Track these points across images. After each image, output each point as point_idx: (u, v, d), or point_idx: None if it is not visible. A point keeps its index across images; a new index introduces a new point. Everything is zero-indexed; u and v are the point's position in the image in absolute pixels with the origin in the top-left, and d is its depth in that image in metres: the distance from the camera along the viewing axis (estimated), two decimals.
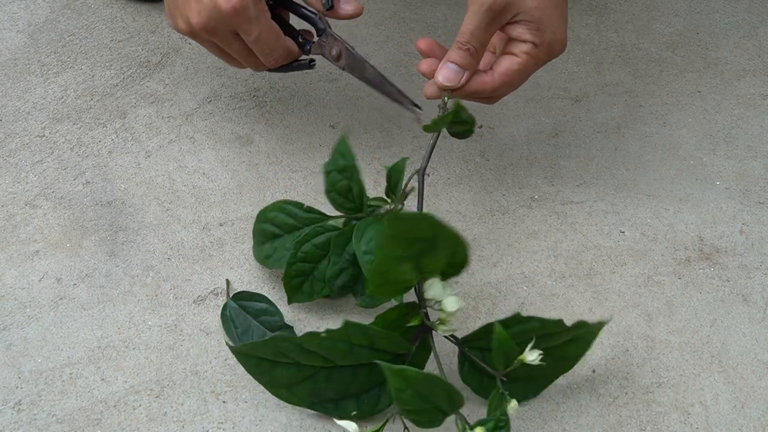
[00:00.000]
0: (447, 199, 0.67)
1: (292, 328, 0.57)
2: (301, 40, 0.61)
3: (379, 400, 0.52)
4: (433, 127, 0.54)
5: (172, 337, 0.58)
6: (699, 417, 0.55)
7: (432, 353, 0.52)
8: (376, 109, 0.74)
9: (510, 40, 0.55)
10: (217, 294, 0.61)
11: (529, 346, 0.49)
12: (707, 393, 0.56)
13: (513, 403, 0.49)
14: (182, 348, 0.58)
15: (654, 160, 0.71)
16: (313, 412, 0.54)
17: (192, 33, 0.58)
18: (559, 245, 0.64)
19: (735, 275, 0.63)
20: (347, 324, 0.47)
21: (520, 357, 0.49)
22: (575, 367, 0.57)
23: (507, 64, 0.55)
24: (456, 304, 0.49)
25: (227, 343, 0.49)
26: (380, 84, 0.57)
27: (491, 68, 0.56)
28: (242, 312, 0.58)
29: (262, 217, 0.59)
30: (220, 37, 0.57)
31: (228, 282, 0.61)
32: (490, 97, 0.58)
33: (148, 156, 0.69)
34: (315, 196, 0.67)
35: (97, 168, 0.68)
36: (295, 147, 0.71)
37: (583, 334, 0.53)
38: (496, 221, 0.66)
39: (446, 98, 0.55)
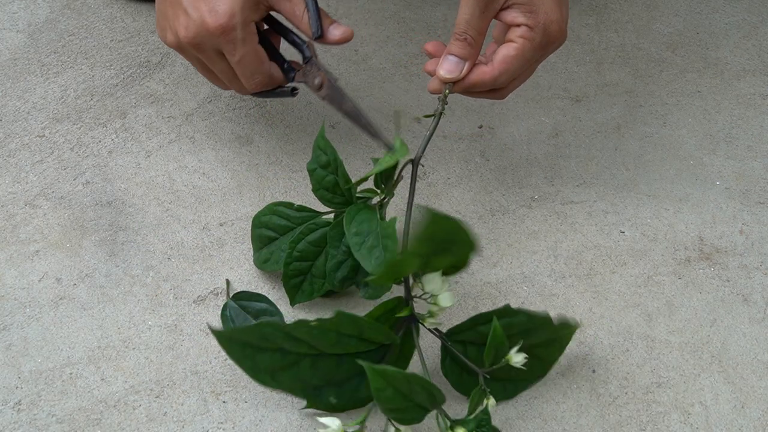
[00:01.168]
0: (447, 199, 0.67)
1: None
2: (286, 67, 0.60)
3: (359, 389, 0.51)
4: (430, 116, 0.56)
5: (172, 337, 0.58)
6: (699, 417, 0.55)
7: (415, 346, 0.52)
8: (375, 109, 0.74)
9: (507, 28, 0.56)
10: (217, 294, 0.61)
11: (515, 348, 0.49)
12: (707, 393, 0.56)
13: (492, 401, 0.49)
14: (182, 348, 0.58)
15: (654, 160, 0.71)
16: (312, 411, 0.54)
17: (179, 47, 0.58)
18: (559, 245, 0.64)
19: (735, 275, 0.63)
20: (339, 314, 0.46)
21: (506, 357, 0.49)
22: (575, 367, 0.57)
23: (504, 51, 0.55)
24: (451, 300, 0.49)
25: (208, 325, 0.48)
26: (357, 117, 0.56)
27: (491, 59, 0.56)
28: (242, 312, 0.58)
29: (257, 222, 0.59)
30: (206, 55, 0.57)
31: (228, 282, 0.61)
32: (494, 89, 0.58)
33: (148, 156, 0.69)
34: (314, 196, 0.67)
35: (97, 168, 0.68)
36: (295, 147, 0.71)
37: (560, 335, 0.53)
38: (496, 221, 0.66)
39: (447, 91, 0.56)
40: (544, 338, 0.52)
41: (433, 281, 0.49)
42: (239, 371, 0.56)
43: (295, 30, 0.60)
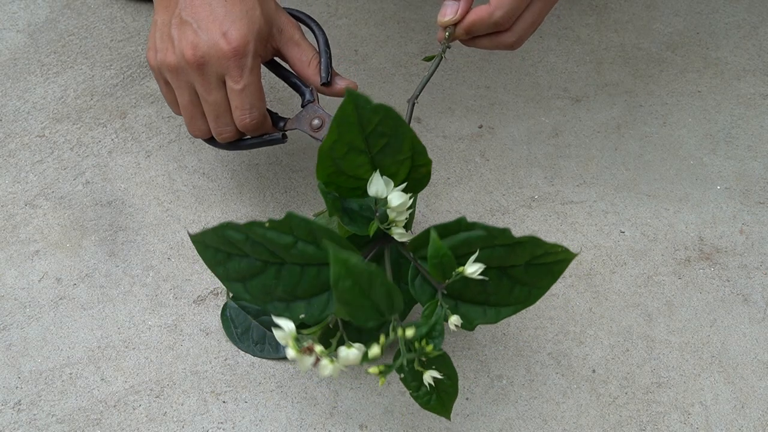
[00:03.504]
0: (447, 199, 0.67)
1: None
2: (275, 117, 0.60)
3: (327, 305, 0.50)
4: (431, 58, 0.56)
5: (172, 337, 0.58)
6: (699, 417, 0.55)
7: (386, 265, 0.51)
8: None
9: None
10: (217, 294, 0.61)
11: (472, 258, 0.46)
12: (707, 393, 0.56)
13: (453, 318, 0.47)
14: (182, 348, 0.58)
15: (654, 160, 0.71)
16: (312, 411, 0.54)
17: (177, 68, 0.54)
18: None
19: (735, 275, 0.63)
20: (289, 215, 0.45)
21: (460, 269, 0.46)
22: (575, 367, 0.57)
23: None
24: (400, 198, 0.47)
25: (188, 231, 0.48)
26: None
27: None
28: (242, 312, 0.58)
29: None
30: (205, 79, 0.54)
31: None
32: (500, 32, 0.56)
33: (148, 156, 0.69)
34: (315, 196, 0.67)
35: (97, 168, 0.68)
36: (295, 147, 0.71)
37: (550, 263, 0.49)
38: (496, 221, 0.66)
39: (447, 34, 0.56)
40: (523, 260, 0.49)
41: (374, 182, 0.46)
42: (239, 371, 0.56)
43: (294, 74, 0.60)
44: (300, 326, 0.49)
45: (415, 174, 0.49)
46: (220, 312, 0.59)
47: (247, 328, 0.58)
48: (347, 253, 0.41)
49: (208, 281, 0.61)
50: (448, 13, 0.55)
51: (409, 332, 0.44)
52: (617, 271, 0.63)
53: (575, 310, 0.61)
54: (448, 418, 0.51)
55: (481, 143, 0.72)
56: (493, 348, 0.58)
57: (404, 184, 0.48)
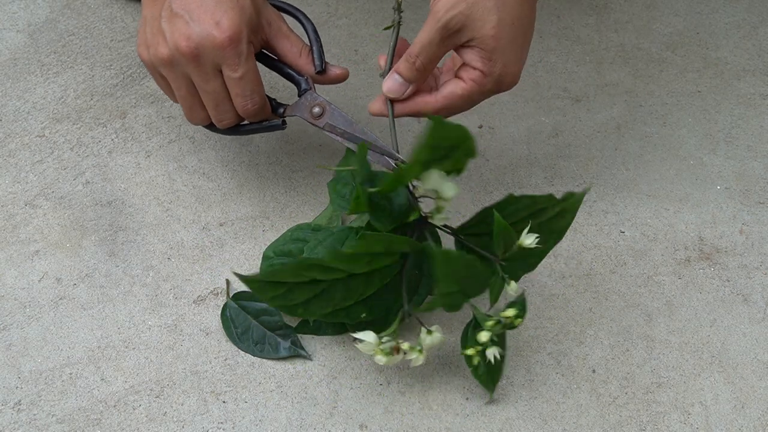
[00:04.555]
0: None
1: (292, 328, 0.57)
2: (274, 103, 0.60)
3: (386, 300, 0.52)
4: (389, 27, 0.58)
5: (172, 337, 0.58)
6: (699, 417, 0.55)
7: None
8: None
9: (462, 65, 0.54)
10: (217, 294, 0.61)
11: (525, 230, 0.50)
12: (707, 393, 0.56)
13: (513, 285, 0.51)
14: (182, 348, 0.58)
15: (654, 160, 0.71)
16: (312, 411, 0.54)
17: (171, 61, 0.54)
18: (559, 245, 0.64)
19: (735, 275, 0.63)
20: (366, 236, 0.47)
21: (518, 242, 0.50)
22: (575, 367, 0.57)
23: (452, 87, 0.54)
24: (454, 189, 0.48)
25: (234, 272, 0.49)
26: (366, 136, 0.56)
27: (437, 90, 0.55)
28: (242, 312, 0.58)
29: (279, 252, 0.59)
30: (201, 70, 0.54)
31: (228, 282, 0.61)
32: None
33: (148, 156, 0.69)
34: (315, 196, 0.67)
35: (97, 168, 0.68)
36: (295, 147, 0.71)
37: (568, 206, 0.52)
38: None
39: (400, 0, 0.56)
40: (553, 213, 0.52)
41: (431, 177, 0.48)
42: (239, 371, 0.56)
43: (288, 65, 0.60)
44: (366, 322, 0.52)
45: (454, 167, 0.49)
46: (220, 312, 0.59)
47: (247, 328, 0.58)
48: (445, 249, 0.45)
49: (208, 281, 0.61)
50: (395, 90, 0.55)
51: (511, 312, 0.50)
52: (617, 271, 0.63)
53: (575, 310, 0.61)
54: (492, 394, 0.55)
55: (481, 143, 0.72)
56: None
57: (452, 174, 0.49)
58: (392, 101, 0.56)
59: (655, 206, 0.67)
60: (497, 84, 0.54)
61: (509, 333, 0.59)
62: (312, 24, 0.60)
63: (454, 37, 0.52)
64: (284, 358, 0.57)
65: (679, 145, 0.72)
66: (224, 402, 0.55)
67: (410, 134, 0.72)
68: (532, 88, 0.76)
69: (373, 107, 0.56)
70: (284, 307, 0.50)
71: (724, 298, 0.62)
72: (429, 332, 0.51)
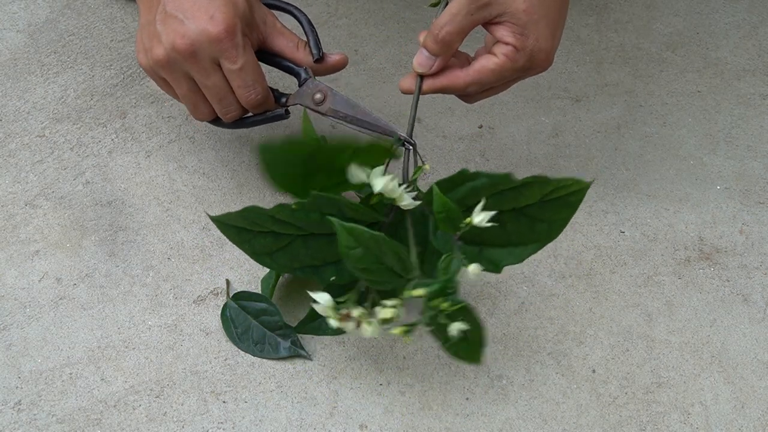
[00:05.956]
0: None
1: (292, 328, 0.57)
2: (276, 93, 0.60)
3: None
4: (436, 4, 0.56)
5: (172, 337, 0.58)
6: (699, 417, 0.55)
7: (407, 224, 0.51)
8: (377, 109, 0.74)
9: (495, 43, 0.54)
10: (217, 294, 0.61)
11: (478, 207, 0.47)
12: (707, 393, 0.56)
13: (472, 267, 0.47)
14: (182, 348, 0.58)
15: (654, 160, 0.71)
16: (312, 411, 0.54)
17: (168, 60, 0.54)
18: (559, 245, 0.64)
19: (735, 275, 0.63)
20: (315, 196, 0.47)
21: (467, 219, 0.47)
22: (575, 367, 0.57)
23: (483, 62, 0.54)
24: (382, 181, 0.47)
25: (208, 214, 0.49)
26: (369, 117, 0.56)
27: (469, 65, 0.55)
28: (242, 312, 0.58)
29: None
30: (200, 66, 0.54)
31: (228, 282, 0.61)
32: (465, 95, 0.57)
33: (148, 156, 0.69)
34: None
35: (97, 168, 0.68)
36: None
37: (562, 193, 0.49)
38: None
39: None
40: (535, 199, 0.49)
41: (352, 172, 0.48)
42: (239, 371, 0.56)
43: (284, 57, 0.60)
44: (335, 283, 0.52)
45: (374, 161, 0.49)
46: (220, 312, 0.59)
47: (247, 328, 0.58)
48: (350, 224, 0.44)
49: (208, 281, 0.61)
50: (422, 64, 0.55)
51: (419, 292, 0.46)
52: (617, 271, 0.63)
53: (575, 310, 0.61)
54: (479, 363, 0.52)
55: (481, 143, 0.72)
56: (493, 348, 0.58)
57: (381, 166, 0.48)
58: (422, 77, 0.55)
59: (655, 206, 0.67)
60: (530, 60, 0.53)
61: (509, 333, 0.59)
62: (305, 15, 0.60)
63: (483, 10, 0.52)
64: (284, 358, 0.57)
65: (679, 145, 0.72)
66: (224, 402, 0.55)
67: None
68: (532, 88, 0.76)
69: (404, 84, 0.56)
70: (253, 254, 0.51)
71: (724, 298, 0.62)
72: (382, 305, 0.48)
